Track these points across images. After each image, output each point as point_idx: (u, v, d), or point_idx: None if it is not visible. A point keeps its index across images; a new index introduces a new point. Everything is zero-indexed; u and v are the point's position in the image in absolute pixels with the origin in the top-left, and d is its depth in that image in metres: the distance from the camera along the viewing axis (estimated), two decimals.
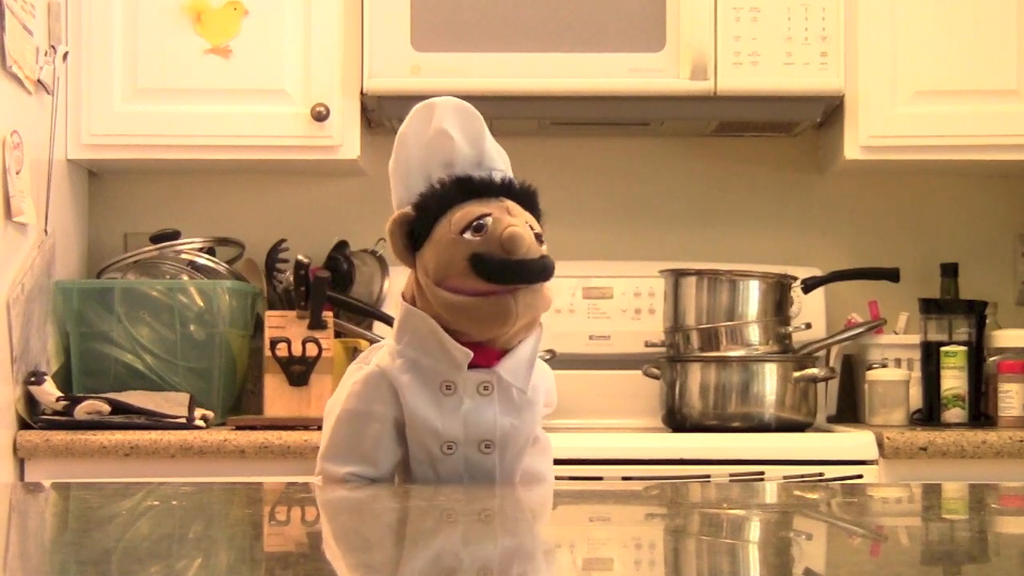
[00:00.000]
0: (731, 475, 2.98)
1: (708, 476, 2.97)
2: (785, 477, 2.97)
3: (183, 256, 3.44)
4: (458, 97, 3.41)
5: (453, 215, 1.90)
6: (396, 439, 1.93)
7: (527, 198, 1.95)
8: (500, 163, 1.99)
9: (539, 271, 1.89)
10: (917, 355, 3.39)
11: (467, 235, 1.88)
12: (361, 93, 3.32)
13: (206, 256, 3.45)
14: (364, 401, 1.94)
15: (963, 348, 3.30)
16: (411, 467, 1.95)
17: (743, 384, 3.25)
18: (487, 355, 1.93)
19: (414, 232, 1.92)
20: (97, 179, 3.63)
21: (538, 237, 1.91)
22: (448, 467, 1.93)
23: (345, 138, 3.33)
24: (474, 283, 1.88)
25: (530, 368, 1.95)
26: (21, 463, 3.05)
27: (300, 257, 3.35)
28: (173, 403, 3.14)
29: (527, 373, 1.94)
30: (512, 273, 1.87)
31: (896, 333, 3.49)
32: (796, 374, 3.25)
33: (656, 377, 3.37)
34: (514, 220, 1.90)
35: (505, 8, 3.28)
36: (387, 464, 1.94)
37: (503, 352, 1.94)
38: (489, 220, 1.88)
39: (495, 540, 1.51)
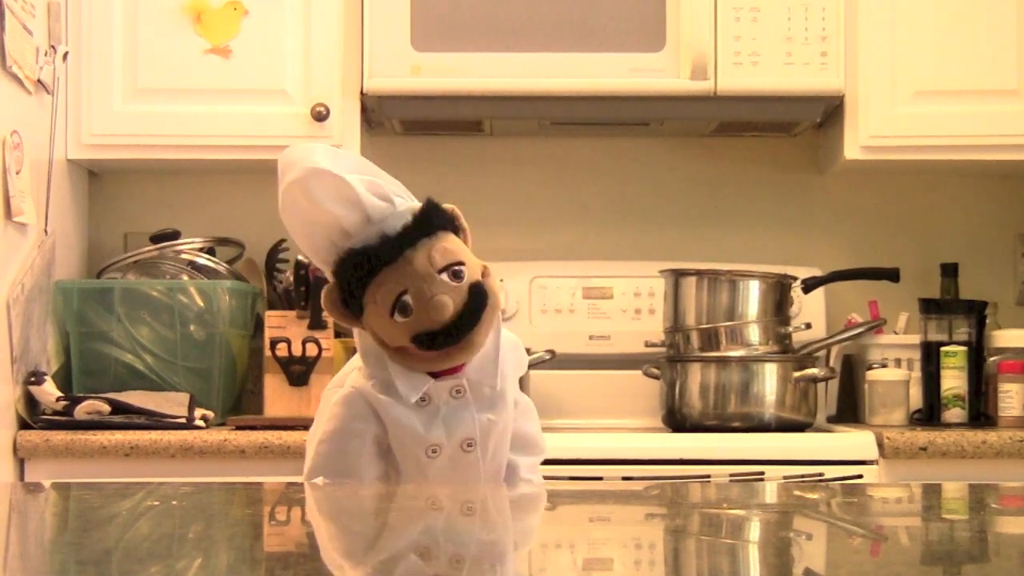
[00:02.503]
0: (731, 475, 2.98)
1: (708, 476, 2.97)
2: (785, 477, 2.97)
3: (183, 256, 3.44)
4: (458, 97, 3.43)
5: (376, 294, 1.93)
6: (377, 453, 1.99)
7: (426, 226, 1.94)
8: (379, 203, 1.94)
9: (475, 314, 1.93)
10: (917, 355, 3.39)
11: (397, 317, 1.92)
12: (361, 93, 3.32)
13: (206, 256, 3.45)
14: (344, 420, 1.99)
15: (963, 348, 3.30)
16: (400, 474, 2.00)
17: (743, 384, 3.25)
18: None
19: (347, 303, 1.96)
20: (97, 179, 3.63)
21: (456, 274, 1.93)
22: (435, 469, 1.99)
23: (345, 138, 3.33)
24: (425, 353, 1.94)
25: (496, 362, 2.00)
26: (21, 463, 3.05)
27: (300, 257, 3.35)
28: (173, 403, 3.14)
29: (494, 368, 2.00)
30: (452, 335, 1.93)
31: (896, 333, 3.49)
32: (796, 374, 3.25)
33: (656, 377, 3.37)
34: (429, 287, 1.91)
35: (505, 8, 3.28)
36: (369, 477, 2.00)
37: None
38: (409, 299, 1.91)
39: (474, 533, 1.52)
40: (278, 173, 1.97)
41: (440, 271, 1.93)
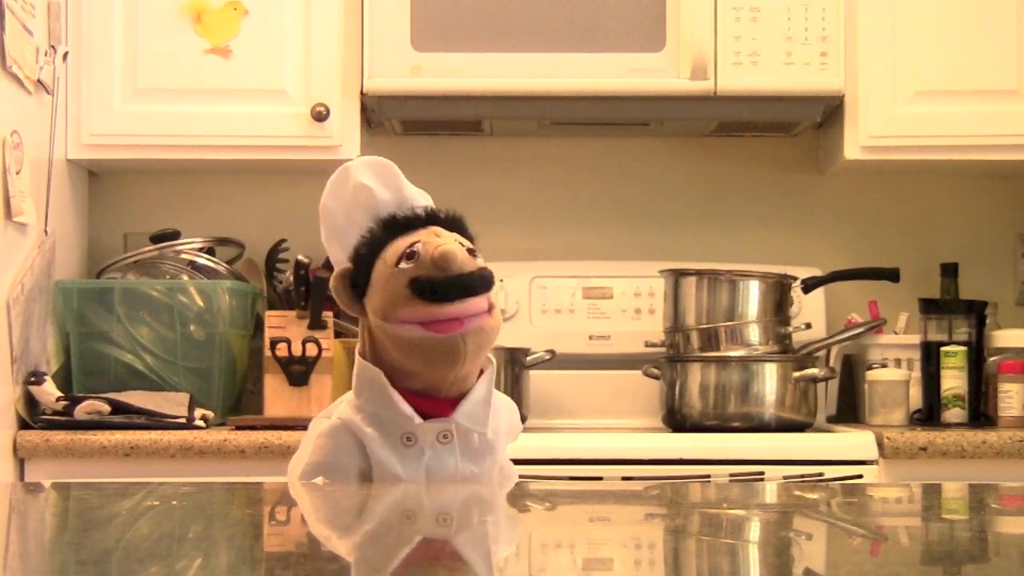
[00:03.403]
0: (731, 475, 2.98)
1: (708, 476, 2.97)
2: (785, 477, 2.97)
3: (183, 256, 3.44)
4: (458, 97, 3.43)
5: (386, 253, 1.94)
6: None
7: (454, 223, 1.99)
8: (422, 201, 2.02)
9: (478, 281, 1.92)
10: (917, 355, 3.39)
11: (402, 264, 1.92)
12: (361, 93, 3.32)
13: (206, 256, 3.45)
14: (329, 453, 1.97)
15: (963, 348, 3.30)
16: None
17: (743, 384, 3.25)
18: (443, 405, 1.96)
19: (356, 283, 1.96)
20: (97, 179, 3.63)
21: (471, 252, 1.95)
22: None
23: (345, 138, 3.33)
24: (420, 309, 1.91)
25: (487, 409, 1.97)
26: (21, 463, 3.05)
27: (300, 257, 3.35)
28: (173, 403, 3.14)
29: (485, 415, 1.97)
30: (451, 288, 1.91)
31: (896, 333, 3.49)
32: (796, 374, 3.25)
33: (656, 377, 3.37)
34: (442, 240, 1.93)
35: (505, 8, 3.28)
36: None
37: (459, 399, 1.96)
38: (419, 246, 1.92)
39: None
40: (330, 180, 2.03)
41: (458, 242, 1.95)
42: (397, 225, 1.96)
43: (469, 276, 1.92)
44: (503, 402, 2.04)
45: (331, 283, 1.98)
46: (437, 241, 1.93)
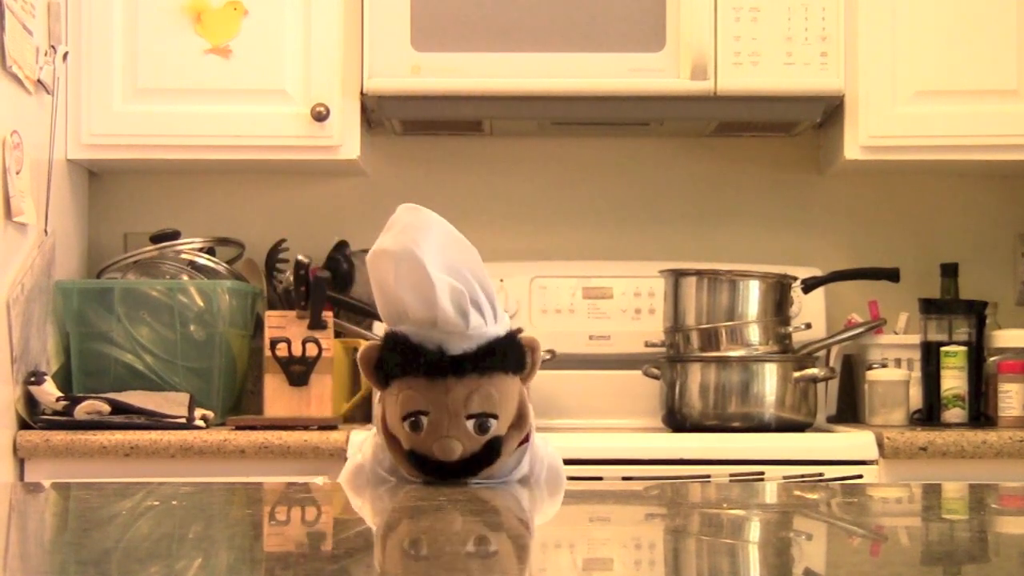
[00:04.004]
0: (731, 475, 2.98)
1: (708, 476, 2.97)
2: (785, 477, 2.97)
3: (183, 256, 3.44)
4: (458, 97, 3.43)
5: (400, 392, 1.86)
6: None
7: (486, 362, 1.86)
8: (452, 317, 1.84)
9: (479, 467, 1.87)
10: (917, 355, 3.39)
11: (406, 426, 1.85)
12: (361, 93, 3.32)
13: (206, 256, 3.45)
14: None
15: (963, 348, 3.30)
16: None
17: (743, 384, 3.25)
18: None
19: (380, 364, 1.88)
20: (97, 179, 3.63)
21: (483, 426, 1.85)
22: None
23: (345, 138, 3.33)
24: (412, 470, 1.88)
25: (507, 471, 1.92)
26: (21, 463, 3.05)
27: (300, 257, 3.35)
28: (173, 403, 3.14)
29: (502, 476, 1.92)
30: (448, 474, 1.86)
31: (896, 333, 3.49)
32: (796, 374, 3.25)
33: (656, 377, 3.37)
34: (449, 425, 1.84)
35: (505, 8, 3.28)
36: None
37: None
38: (424, 421, 1.84)
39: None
40: (392, 218, 1.87)
41: (470, 416, 1.84)
42: (419, 365, 1.84)
43: (466, 463, 1.85)
44: (545, 468, 1.98)
45: (360, 354, 1.89)
46: (443, 425, 1.84)
